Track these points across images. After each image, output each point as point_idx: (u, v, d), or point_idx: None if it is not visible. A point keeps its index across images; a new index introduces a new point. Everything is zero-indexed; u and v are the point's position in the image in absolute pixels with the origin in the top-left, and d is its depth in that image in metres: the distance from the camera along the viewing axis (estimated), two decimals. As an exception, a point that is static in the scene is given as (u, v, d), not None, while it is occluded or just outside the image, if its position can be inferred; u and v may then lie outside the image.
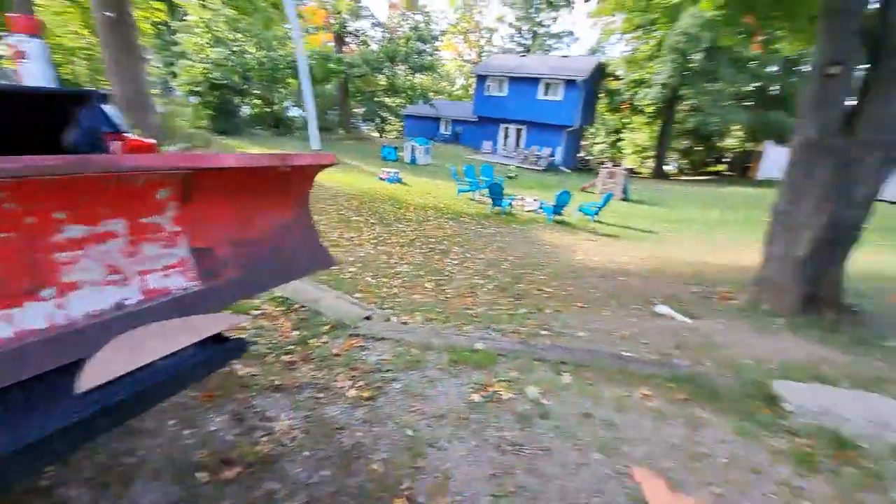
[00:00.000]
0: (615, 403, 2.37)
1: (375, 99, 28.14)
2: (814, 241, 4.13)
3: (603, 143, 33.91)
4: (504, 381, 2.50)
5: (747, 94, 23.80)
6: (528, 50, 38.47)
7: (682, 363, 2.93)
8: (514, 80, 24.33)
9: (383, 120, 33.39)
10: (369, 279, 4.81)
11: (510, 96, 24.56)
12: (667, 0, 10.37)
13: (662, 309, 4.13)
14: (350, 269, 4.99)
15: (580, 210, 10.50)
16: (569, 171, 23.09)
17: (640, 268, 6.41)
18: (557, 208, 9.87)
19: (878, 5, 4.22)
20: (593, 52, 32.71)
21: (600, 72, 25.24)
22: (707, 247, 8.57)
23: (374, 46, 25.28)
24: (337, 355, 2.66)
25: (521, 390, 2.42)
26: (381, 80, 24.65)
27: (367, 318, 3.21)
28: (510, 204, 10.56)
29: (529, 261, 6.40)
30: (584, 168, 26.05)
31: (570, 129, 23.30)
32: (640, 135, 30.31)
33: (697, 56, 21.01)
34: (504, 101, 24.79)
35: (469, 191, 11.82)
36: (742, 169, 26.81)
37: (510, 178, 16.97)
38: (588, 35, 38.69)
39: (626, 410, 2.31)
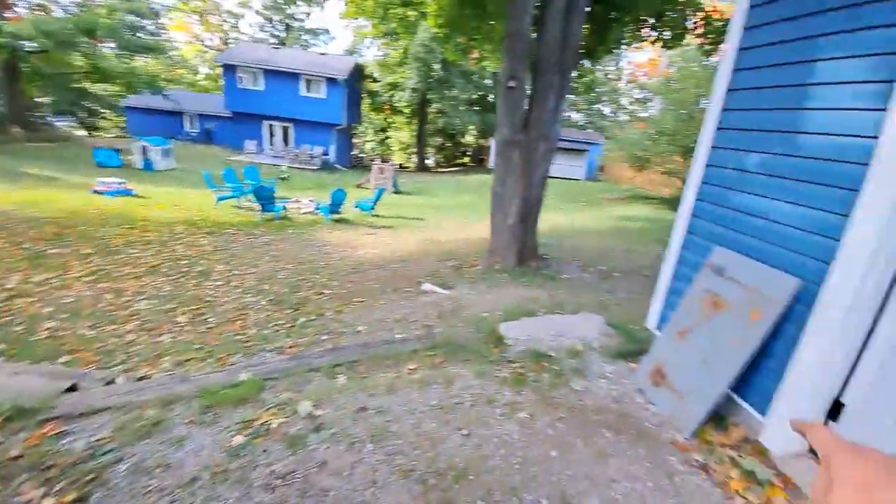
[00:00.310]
0: (387, 387, 2.56)
1: (73, 86, 20.84)
2: (517, 212, 5.53)
3: (372, 140, 35.79)
4: (274, 407, 2.33)
5: (476, 101, 29.53)
6: (283, 43, 36.22)
7: (440, 330, 3.44)
8: (272, 74, 22.58)
9: (92, 113, 25.22)
10: (85, 331, 3.63)
11: (269, 91, 22.71)
12: (400, 12, 11.65)
13: (427, 286, 4.74)
14: (47, 325, 3.63)
15: (357, 206, 10.81)
16: (345, 168, 23.38)
17: (412, 252, 7.15)
18: (334, 207, 9.86)
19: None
20: (350, 52, 33.69)
21: (359, 72, 26.27)
22: (461, 225, 10.29)
23: (59, 13, 18.53)
24: (17, 458, 1.88)
25: (293, 410, 2.31)
26: (78, 59, 18.47)
27: (72, 388, 2.39)
28: (284, 208, 9.89)
29: (309, 265, 6.18)
30: (360, 165, 26.93)
31: (340, 127, 23.50)
32: (402, 133, 33.43)
33: (437, 66, 24.53)
34: (263, 95, 22.73)
35: (232, 197, 10.40)
36: (479, 160, 33.39)
37: (283, 179, 15.86)
38: (345, 35, 38.98)
39: (396, 391, 2.53)
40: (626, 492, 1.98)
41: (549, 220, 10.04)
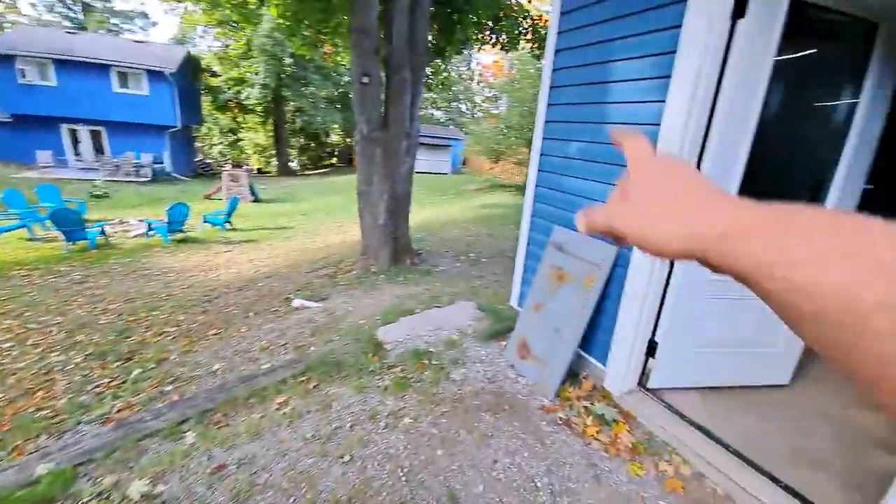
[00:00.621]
0: (250, 433, 2.22)
1: None
2: (387, 209, 5.46)
3: (220, 143, 31.60)
4: (93, 500, 1.81)
5: (338, 98, 28.41)
6: (83, 27, 29.07)
7: (314, 349, 3.16)
8: (69, 66, 17.87)
9: None
10: None
11: (66, 87, 17.98)
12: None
13: (298, 302, 4.34)
14: None
15: (207, 221, 9.37)
16: (186, 178, 20.10)
17: (279, 266, 6.50)
18: (174, 225, 8.35)
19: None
20: (180, 41, 28.92)
21: (194, 65, 22.70)
22: (334, 229, 9.79)
23: None
24: None
25: (123, 496, 1.82)
26: None
27: None
28: (102, 232, 7.98)
29: (145, 300, 5.08)
30: (207, 173, 23.49)
31: (174, 129, 20.02)
32: (258, 135, 30.31)
33: (289, 60, 22.72)
34: (57, 93, 17.89)
35: (20, 227, 7.97)
36: (348, 160, 32.40)
37: (98, 196, 12.84)
38: (171, 20, 33.26)
39: (262, 434, 2.22)
40: (507, 468, 2.08)
41: (420, 214, 10.25)
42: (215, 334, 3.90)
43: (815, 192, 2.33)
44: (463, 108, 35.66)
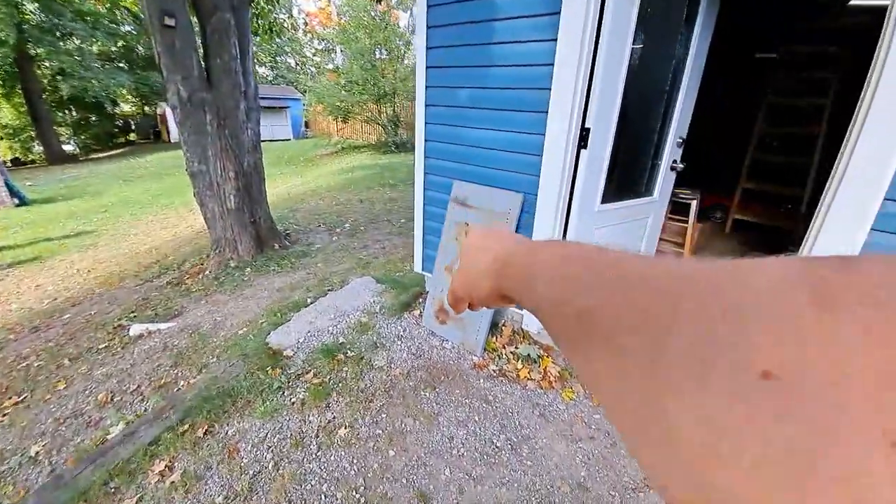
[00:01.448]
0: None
1: None
2: (236, 190, 4.49)
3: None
4: None
5: (119, 54, 21.80)
6: None
7: (187, 384, 2.44)
8: None
9: None
10: None
11: None
12: None
13: (137, 328, 3.29)
14: None
15: (-62, 244, 6.38)
16: None
17: (90, 286, 4.87)
18: None
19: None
20: None
21: None
22: (155, 225, 7.81)
23: None
24: None
25: None
26: None
27: None
28: None
29: None
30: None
31: None
32: (2, 112, 21.64)
33: (32, 6, 16.15)
34: None
35: None
36: (154, 134, 26.04)
37: None
38: None
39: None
40: (464, 440, 1.98)
41: (273, 190, 9.01)
42: (16, 403, 2.69)
43: (660, 137, 2.68)
44: (292, 62, 31.50)
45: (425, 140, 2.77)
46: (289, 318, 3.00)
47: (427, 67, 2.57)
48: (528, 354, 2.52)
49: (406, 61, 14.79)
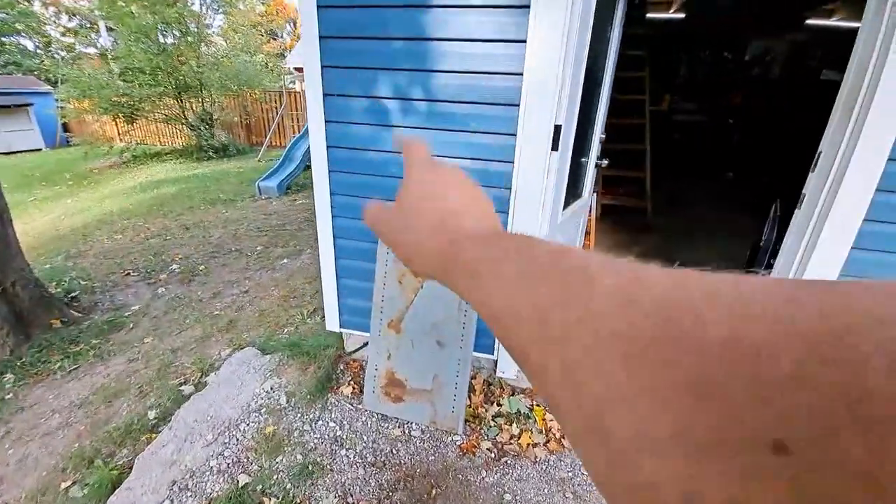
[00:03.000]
0: None
1: None
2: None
3: None
4: None
5: None
6: None
7: None
8: None
9: None
10: None
11: None
12: None
13: None
14: None
15: None
16: None
17: None
18: None
19: None
20: None
21: None
22: None
23: None
24: None
25: None
26: None
27: None
28: None
29: None
30: None
31: None
32: None
33: None
34: None
35: None
36: None
37: None
38: None
39: None
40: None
41: (29, 225, 6.13)
42: None
43: (590, 133, 2.48)
44: (28, 44, 22.36)
45: (327, 146, 1.90)
46: (125, 465, 1.73)
47: (321, 38, 1.69)
48: (518, 410, 2.01)
49: (206, 48, 12.15)
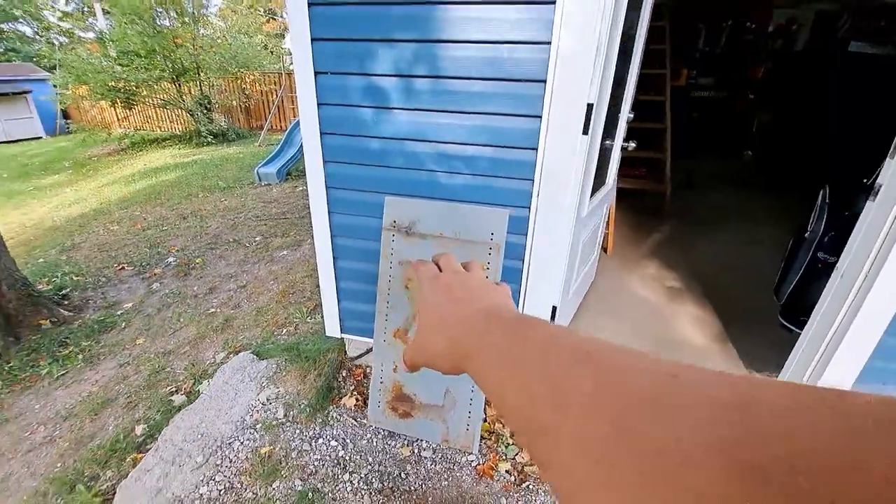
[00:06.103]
0: None
1: None
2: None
3: None
4: None
5: None
6: None
7: None
8: None
9: None
10: None
11: None
12: None
13: None
14: None
15: None
16: None
17: None
18: None
19: None
20: None
21: None
22: None
23: None
24: None
25: None
26: None
27: None
28: None
29: None
30: None
31: None
32: None
33: None
34: None
35: None
36: None
37: None
38: None
39: None
40: None
41: (25, 218, 5.98)
42: None
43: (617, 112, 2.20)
44: (27, 30, 21.83)
45: (321, 133, 1.66)
46: (108, 490, 1.57)
47: (309, 4, 1.44)
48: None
49: (204, 30, 11.73)
